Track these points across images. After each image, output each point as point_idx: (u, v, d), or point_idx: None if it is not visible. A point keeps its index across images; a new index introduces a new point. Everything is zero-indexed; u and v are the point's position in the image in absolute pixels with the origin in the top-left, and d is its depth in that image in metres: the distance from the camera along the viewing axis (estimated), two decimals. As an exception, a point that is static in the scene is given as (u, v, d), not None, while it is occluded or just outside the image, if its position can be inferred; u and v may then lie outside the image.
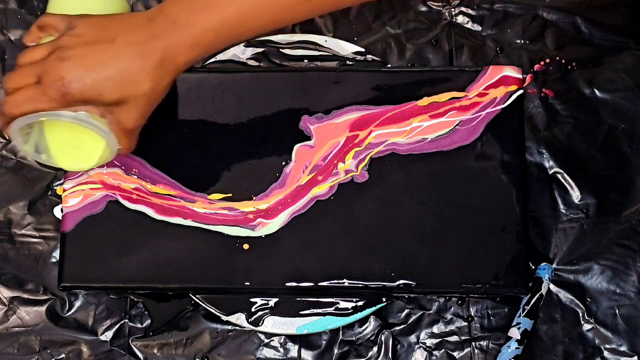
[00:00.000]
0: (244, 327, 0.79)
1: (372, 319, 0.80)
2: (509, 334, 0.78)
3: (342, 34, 0.86)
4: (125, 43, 0.65)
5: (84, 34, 0.66)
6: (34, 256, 0.82)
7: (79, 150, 0.73)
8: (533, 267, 0.80)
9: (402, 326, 0.80)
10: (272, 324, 0.78)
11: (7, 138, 0.85)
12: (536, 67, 0.84)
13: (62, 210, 0.77)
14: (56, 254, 0.82)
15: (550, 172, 0.82)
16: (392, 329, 0.80)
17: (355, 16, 0.86)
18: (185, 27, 0.66)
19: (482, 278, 0.74)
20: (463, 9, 0.86)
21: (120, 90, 0.66)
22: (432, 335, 0.80)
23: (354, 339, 0.80)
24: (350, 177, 0.77)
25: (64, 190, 0.77)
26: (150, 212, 0.76)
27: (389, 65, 0.85)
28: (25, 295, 0.82)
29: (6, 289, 0.82)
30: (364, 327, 0.80)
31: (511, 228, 0.75)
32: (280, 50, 0.84)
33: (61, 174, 0.83)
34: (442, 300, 0.81)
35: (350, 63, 0.83)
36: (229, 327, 0.80)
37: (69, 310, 0.81)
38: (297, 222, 0.76)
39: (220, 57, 0.84)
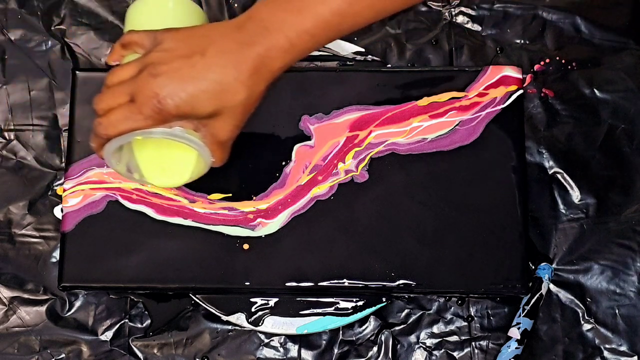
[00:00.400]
0: (244, 327, 0.79)
1: (372, 319, 0.80)
2: (509, 334, 0.78)
3: (342, 34, 0.86)
4: (217, 53, 0.64)
5: (173, 48, 0.65)
6: (34, 256, 0.82)
7: (171, 166, 0.72)
8: (533, 267, 0.80)
9: (402, 326, 0.80)
10: (272, 324, 0.78)
11: (6, 139, 0.85)
12: (536, 67, 0.84)
13: (62, 210, 0.77)
14: (56, 254, 0.82)
15: (550, 172, 0.82)
16: (392, 329, 0.80)
17: (355, 16, 0.86)
18: (278, 31, 0.64)
19: (482, 278, 0.74)
20: (463, 9, 0.86)
21: (216, 102, 0.64)
22: (432, 335, 0.80)
23: (354, 339, 0.80)
24: (350, 177, 0.77)
25: (64, 190, 0.77)
26: (150, 212, 0.76)
27: (389, 65, 0.85)
28: (26, 295, 0.82)
29: (6, 289, 0.82)
30: (364, 327, 0.80)
31: (511, 228, 0.75)
32: (280, 50, 0.84)
33: (61, 174, 0.83)
34: (442, 300, 0.81)
35: (350, 63, 0.83)
36: (229, 327, 0.80)
37: (69, 310, 0.81)
38: (297, 222, 0.76)
39: (220, 57, 0.83)
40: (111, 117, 0.65)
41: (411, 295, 0.80)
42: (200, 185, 0.77)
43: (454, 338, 0.80)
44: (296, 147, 0.77)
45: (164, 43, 0.65)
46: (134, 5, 0.75)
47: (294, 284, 0.75)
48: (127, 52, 0.69)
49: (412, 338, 0.80)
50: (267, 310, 0.78)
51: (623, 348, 0.79)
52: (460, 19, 0.86)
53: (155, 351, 0.80)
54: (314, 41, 0.65)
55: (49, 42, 0.87)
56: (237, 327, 0.80)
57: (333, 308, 0.78)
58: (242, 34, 0.64)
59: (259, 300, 0.78)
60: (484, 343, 0.80)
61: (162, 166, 0.72)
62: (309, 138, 0.77)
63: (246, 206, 0.76)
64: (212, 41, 0.64)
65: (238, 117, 0.66)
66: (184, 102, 0.63)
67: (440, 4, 0.86)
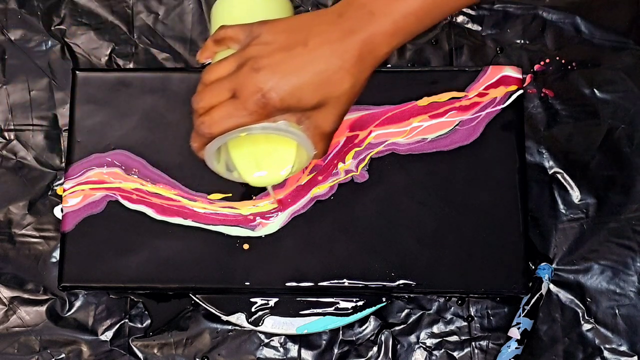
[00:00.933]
0: (244, 327, 0.79)
1: (372, 319, 0.80)
2: (509, 334, 0.78)
3: (342, 34, 0.85)
4: (320, 43, 0.61)
5: (272, 40, 0.62)
6: (34, 256, 0.82)
7: (270, 162, 0.70)
8: (533, 267, 0.80)
9: (402, 326, 0.80)
10: (272, 324, 0.78)
11: (6, 139, 0.85)
12: (536, 67, 0.84)
13: (62, 210, 0.77)
14: (56, 254, 0.82)
15: (550, 172, 0.82)
16: (392, 329, 0.80)
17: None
18: (383, 15, 0.61)
19: (482, 278, 0.74)
20: (463, 9, 0.86)
21: (320, 93, 0.62)
22: (432, 335, 0.80)
23: (354, 339, 0.80)
24: (350, 177, 0.77)
25: (64, 190, 0.77)
26: (150, 212, 0.76)
27: (389, 65, 0.85)
28: (26, 295, 0.82)
29: (6, 289, 0.82)
30: (364, 327, 0.80)
31: (511, 228, 0.75)
32: (280, 50, 0.84)
33: (61, 174, 0.83)
34: (442, 300, 0.81)
35: (350, 63, 0.83)
36: (229, 327, 0.80)
37: (69, 310, 0.81)
38: (297, 222, 0.76)
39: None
40: (214, 114, 0.63)
41: (411, 295, 0.80)
42: (200, 185, 0.77)
43: (454, 338, 0.80)
44: (296, 147, 0.77)
45: (262, 36, 0.63)
46: (220, 1, 0.73)
47: (294, 284, 0.75)
48: (220, 48, 0.67)
49: (412, 338, 0.80)
50: (267, 310, 0.78)
51: (623, 348, 0.79)
52: (460, 18, 0.86)
53: (155, 351, 0.80)
54: (419, 23, 0.62)
55: (49, 42, 0.87)
56: (237, 327, 0.80)
57: (333, 308, 0.77)
58: (344, 21, 0.62)
59: (259, 300, 0.78)
60: (484, 343, 0.80)
61: (260, 163, 0.70)
62: (309, 138, 0.77)
63: (246, 205, 0.76)
64: (312, 31, 0.62)
65: (342, 107, 0.64)
66: (288, 95, 0.61)
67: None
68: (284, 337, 0.80)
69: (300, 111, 0.63)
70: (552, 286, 0.80)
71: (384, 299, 0.77)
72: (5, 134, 0.85)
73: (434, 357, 0.80)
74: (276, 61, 0.61)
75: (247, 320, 0.78)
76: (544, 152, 0.83)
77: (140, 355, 0.80)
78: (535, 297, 0.78)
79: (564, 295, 0.80)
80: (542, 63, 0.85)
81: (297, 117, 0.63)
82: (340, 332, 0.80)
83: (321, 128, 0.64)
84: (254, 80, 0.61)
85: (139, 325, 0.81)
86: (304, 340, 0.80)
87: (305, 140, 0.65)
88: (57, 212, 0.83)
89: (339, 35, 0.61)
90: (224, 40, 0.66)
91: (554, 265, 0.80)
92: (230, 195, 0.77)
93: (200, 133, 0.63)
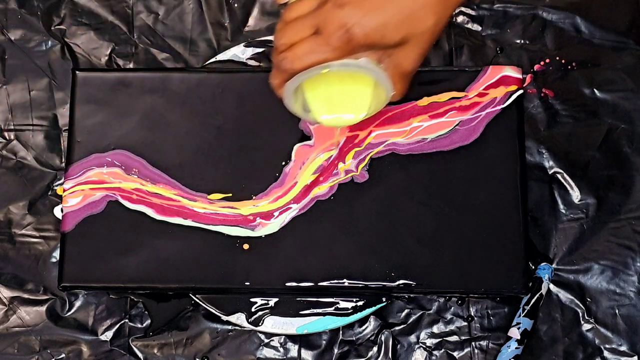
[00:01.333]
0: (244, 327, 0.79)
1: (372, 319, 0.80)
2: (509, 334, 0.78)
3: (342, 34, 0.85)
4: None
5: None
6: (34, 256, 0.82)
7: (346, 103, 0.69)
8: (533, 267, 0.80)
9: (402, 326, 0.80)
10: (272, 324, 0.78)
11: (6, 139, 0.85)
12: (536, 67, 0.84)
13: (62, 210, 0.77)
14: (56, 254, 0.82)
15: (550, 172, 0.82)
16: (392, 329, 0.80)
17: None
18: None
19: (482, 278, 0.74)
20: (463, 9, 0.86)
21: (404, 29, 0.61)
22: (432, 335, 0.80)
23: (354, 339, 0.80)
24: (350, 177, 0.77)
25: (64, 190, 0.77)
26: (150, 212, 0.76)
27: (389, 65, 0.85)
28: (25, 295, 0.82)
29: (6, 289, 0.82)
30: (364, 327, 0.80)
31: (511, 228, 0.75)
32: (280, 50, 0.84)
33: (61, 174, 0.83)
34: (442, 300, 0.81)
35: (350, 63, 0.83)
36: (229, 327, 0.80)
37: (69, 310, 0.81)
38: (297, 222, 0.76)
39: (220, 57, 0.84)
40: (297, 50, 0.62)
41: (411, 295, 0.80)
42: (200, 185, 0.77)
43: (454, 338, 0.80)
44: (296, 147, 0.77)
45: None
46: None
47: (294, 284, 0.75)
48: None
49: (412, 338, 0.80)
50: (267, 310, 0.78)
51: (623, 348, 0.79)
52: (460, 18, 0.86)
53: (155, 351, 0.80)
54: None
55: (49, 42, 0.87)
56: (237, 327, 0.80)
57: (333, 308, 0.78)
58: None
59: (259, 300, 0.78)
60: (484, 343, 0.80)
61: (335, 104, 0.69)
62: (308, 138, 0.77)
63: (246, 205, 0.76)
64: None
65: (424, 45, 0.63)
66: (373, 30, 0.61)
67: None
68: (284, 337, 0.80)
69: (382, 48, 0.63)
70: (552, 286, 0.80)
71: (384, 299, 0.77)
72: (5, 134, 0.85)
73: (434, 357, 0.80)
74: None
75: (247, 320, 0.78)
76: (544, 152, 0.82)
77: (140, 355, 0.80)
78: (535, 297, 0.78)
79: (564, 295, 0.80)
80: (542, 63, 0.85)
81: (378, 55, 0.63)
82: (340, 332, 0.80)
83: (402, 67, 0.64)
84: (337, 15, 0.61)
85: (139, 325, 0.81)
86: (304, 340, 0.80)
87: (386, 79, 0.64)
88: (57, 212, 0.83)
89: None
90: None
91: (554, 265, 0.80)
92: (230, 195, 0.77)
93: (282, 69, 0.63)
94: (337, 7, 0.61)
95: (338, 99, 0.69)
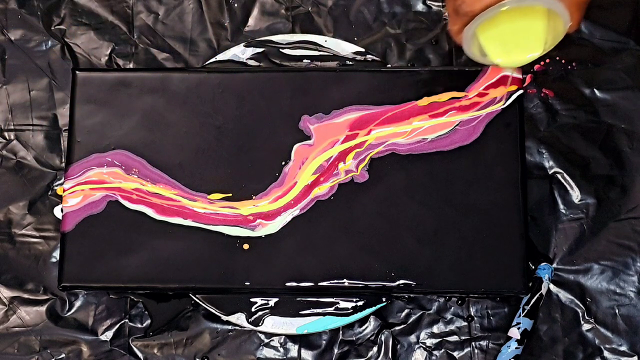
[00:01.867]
0: (244, 327, 0.79)
1: (372, 319, 0.80)
2: (509, 334, 0.78)
3: (342, 34, 0.86)
4: None
5: None
6: (34, 256, 0.82)
7: (522, 40, 0.70)
8: (533, 267, 0.80)
9: (402, 326, 0.80)
10: (272, 324, 0.78)
11: (6, 139, 0.85)
12: (536, 67, 0.84)
13: (62, 210, 0.77)
14: (56, 254, 0.82)
15: (550, 172, 0.82)
16: (392, 329, 0.80)
17: (355, 16, 0.86)
18: None
19: (482, 278, 0.74)
20: (463, 9, 0.86)
21: None
22: (432, 335, 0.80)
23: (354, 339, 0.80)
24: (351, 177, 0.77)
25: (64, 190, 0.77)
26: (150, 212, 0.76)
27: (389, 65, 0.85)
28: (25, 295, 0.82)
29: (6, 289, 0.82)
30: (364, 327, 0.80)
31: (511, 228, 0.75)
32: (280, 50, 0.84)
33: (61, 174, 0.83)
34: (442, 300, 0.81)
35: (350, 63, 0.83)
36: (229, 327, 0.80)
37: (69, 310, 0.81)
38: (297, 222, 0.76)
39: (220, 57, 0.84)
40: None
41: (411, 295, 0.80)
42: (200, 185, 0.77)
43: (454, 338, 0.80)
44: (296, 146, 0.77)
45: None
46: None
47: (294, 284, 0.75)
48: None
49: (412, 338, 0.80)
50: (267, 310, 0.78)
51: (623, 348, 0.79)
52: (460, 19, 0.86)
53: (155, 351, 0.80)
54: None
55: (49, 42, 0.87)
56: (237, 327, 0.80)
57: (333, 308, 0.78)
58: None
59: (259, 300, 0.78)
60: (484, 343, 0.80)
61: (511, 44, 0.70)
62: (308, 138, 0.77)
63: (246, 205, 0.76)
64: None
65: None
66: None
67: (440, 3, 0.86)
68: (284, 337, 0.80)
69: None
70: (552, 286, 0.80)
71: (384, 299, 0.77)
72: (5, 134, 0.85)
73: (434, 357, 0.80)
74: None
75: (247, 320, 0.78)
76: (544, 152, 0.82)
77: (140, 355, 0.80)
78: (535, 297, 0.78)
79: (564, 295, 0.80)
80: (542, 63, 0.85)
81: None
82: (340, 332, 0.80)
83: None
84: None
85: (139, 325, 0.81)
86: (304, 340, 0.80)
87: (562, 9, 0.65)
88: (57, 212, 0.83)
89: None
90: None
91: (554, 265, 0.80)
92: (230, 195, 0.77)
93: (462, 12, 0.64)
94: None
95: (513, 38, 0.70)
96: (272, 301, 0.78)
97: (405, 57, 0.86)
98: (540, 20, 0.68)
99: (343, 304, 0.77)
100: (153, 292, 0.80)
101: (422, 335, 0.80)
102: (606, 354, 0.79)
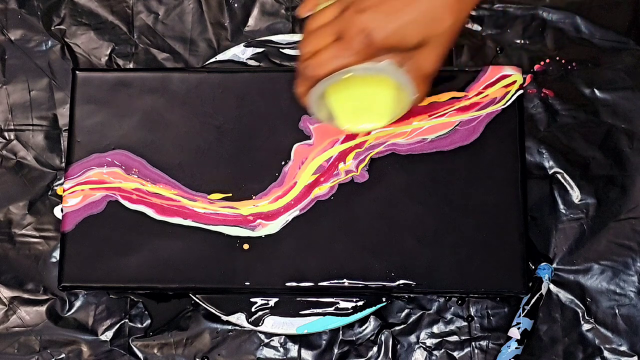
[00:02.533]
0: (244, 327, 0.79)
1: (372, 319, 0.80)
2: (509, 334, 0.78)
3: (342, 34, 0.86)
4: None
5: None
6: (34, 256, 0.82)
7: (370, 109, 0.70)
8: (533, 267, 0.80)
9: (402, 326, 0.80)
10: (272, 324, 0.78)
11: (6, 139, 0.85)
12: (536, 67, 0.84)
13: (62, 210, 0.77)
14: (56, 254, 0.82)
15: (550, 172, 0.82)
16: (392, 329, 0.80)
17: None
18: None
19: (482, 278, 0.74)
20: (463, 9, 0.86)
21: (423, 31, 0.63)
22: (432, 335, 0.80)
23: (354, 339, 0.80)
24: (351, 177, 0.77)
25: (64, 190, 0.77)
26: (150, 212, 0.76)
27: (389, 65, 0.85)
28: (25, 295, 0.82)
29: (6, 289, 0.82)
30: (364, 327, 0.80)
31: (511, 228, 0.75)
32: (280, 50, 0.84)
33: (61, 174, 0.83)
34: (442, 300, 0.81)
35: (350, 63, 0.83)
36: (229, 327, 0.80)
37: (69, 310, 0.81)
38: (297, 222, 0.76)
39: (220, 57, 0.84)
40: (320, 56, 0.64)
41: (411, 295, 0.80)
42: (200, 185, 0.77)
43: (454, 338, 0.80)
44: (295, 146, 0.77)
45: None
46: None
47: (294, 284, 0.75)
48: (321, 0, 0.68)
49: (412, 338, 0.80)
50: (267, 310, 0.78)
51: (623, 348, 0.79)
52: (460, 19, 0.86)
53: (155, 351, 0.80)
54: None
55: (49, 42, 0.87)
56: (237, 327, 0.80)
57: (333, 308, 0.78)
58: None
59: (259, 300, 0.78)
60: (484, 343, 0.80)
61: (359, 111, 0.70)
62: (308, 138, 0.77)
63: (246, 205, 0.76)
64: None
65: (444, 46, 0.64)
66: (392, 33, 0.62)
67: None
68: (284, 337, 0.80)
69: (403, 51, 0.64)
70: (552, 286, 0.80)
71: (384, 299, 0.77)
72: (5, 134, 0.85)
73: (434, 357, 0.80)
74: (379, 1, 0.62)
75: (247, 320, 0.78)
76: (544, 152, 0.83)
77: (140, 355, 0.80)
78: (535, 297, 0.78)
79: (564, 295, 0.80)
80: (542, 63, 0.85)
81: (399, 58, 0.64)
82: (340, 332, 0.80)
83: (423, 69, 0.65)
84: (358, 20, 0.62)
85: (139, 325, 0.81)
86: (304, 340, 0.80)
87: (408, 82, 0.65)
88: (57, 212, 0.83)
89: None
90: None
91: (554, 265, 0.80)
92: (230, 195, 0.77)
93: (306, 76, 0.65)
94: (357, 12, 0.63)
95: (362, 106, 0.70)
96: (272, 301, 0.78)
97: (405, 57, 0.86)
98: (388, 90, 0.68)
99: (343, 304, 0.77)
100: (153, 292, 0.80)
101: (422, 335, 0.80)
102: (606, 354, 0.79)
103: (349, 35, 0.63)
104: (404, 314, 0.80)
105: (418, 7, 0.62)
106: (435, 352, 0.80)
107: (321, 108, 0.69)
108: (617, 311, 0.79)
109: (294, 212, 0.76)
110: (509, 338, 0.78)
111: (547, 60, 0.85)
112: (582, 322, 0.79)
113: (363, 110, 0.70)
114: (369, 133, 0.77)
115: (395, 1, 0.63)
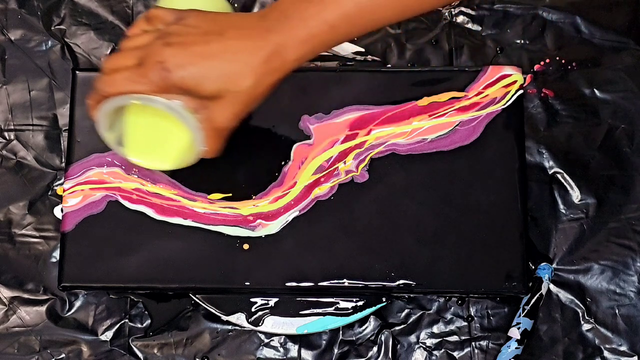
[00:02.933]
0: (244, 327, 0.79)
1: (372, 319, 0.80)
2: (509, 334, 0.78)
3: (342, 34, 0.86)
4: (235, 36, 0.63)
5: (194, 25, 0.64)
6: (34, 256, 0.82)
7: (159, 148, 0.71)
8: (533, 267, 0.80)
9: (402, 326, 0.80)
10: (272, 324, 0.78)
11: (6, 139, 0.85)
12: (536, 67, 0.84)
13: (62, 210, 0.77)
14: (56, 254, 0.82)
15: (550, 172, 0.82)
16: (392, 329, 0.80)
17: (355, 16, 0.86)
18: (298, 20, 0.63)
19: (482, 278, 0.74)
20: (463, 9, 0.86)
21: (221, 83, 0.63)
22: (432, 335, 0.80)
23: (354, 339, 0.80)
24: (351, 177, 0.77)
25: (64, 190, 0.77)
26: (150, 212, 0.76)
27: (389, 65, 0.85)
28: (26, 295, 0.82)
29: (6, 289, 0.82)
30: (364, 327, 0.80)
31: (511, 228, 0.75)
32: (280, 50, 0.84)
33: (61, 174, 0.83)
34: (442, 300, 0.81)
35: (350, 63, 0.83)
36: (229, 327, 0.80)
37: (69, 310, 0.81)
38: (297, 223, 0.76)
39: (220, 57, 0.83)
40: (115, 76, 0.64)
41: (411, 295, 0.80)
42: (200, 185, 0.77)
43: (454, 338, 0.80)
44: (295, 146, 0.77)
45: (187, 19, 0.65)
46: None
47: (294, 284, 0.75)
48: (149, 27, 0.68)
49: (412, 338, 0.80)
50: (267, 310, 0.78)
51: (623, 348, 0.79)
52: (460, 19, 0.86)
53: (155, 351, 0.80)
54: (334, 33, 0.64)
55: (49, 42, 0.87)
56: (237, 327, 0.80)
57: (333, 308, 0.78)
58: (264, 21, 0.64)
59: (259, 300, 0.78)
60: (484, 343, 0.80)
61: (149, 144, 0.71)
62: (308, 138, 0.77)
63: (246, 205, 0.76)
64: (233, 25, 0.64)
65: (240, 105, 0.65)
66: (189, 75, 0.63)
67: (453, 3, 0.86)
68: (284, 337, 0.80)
69: (198, 98, 0.64)
70: (552, 286, 0.80)
71: (384, 299, 0.77)
72: (5, 134, 0.85)
73: (434, 357, 0.80)
74: (189, 41, 0.63)
75: (247, 320, 0.78)
76: (544, 152, 0.83)
77: (140, 355, 0.80)
78: (535, 297, 0.78)
79: (564, 295, 0.80)
80: (542, 63, 0.85)
81: (195, 104, 0.64)
82: (340, 332, 0.80)
83: (215, 121, 0.65)
84: (161, 52, 0.63)
85: (139, 325, 0.81)
86: (304, 340, 0.80)
87: (196, 129, 0.65)
88: (57, 212, 0.83)
89: (255, 33, 0.63)
90: (153, 20, 0.67)
91: (554, 265, 0.80)
92: (230, 195, 0.77)
93: (97, 90, 0.65)
94: (165, 44, 0.63)
95: (152, 141, 0.70)
96: (272, 301, 0.78)
97: (405, 57, 0.86)
98: (182, 133, 0.67)
99: (343, 304, 0.77)
100: (153, 292, 0.80)
101: (422, 335, 0.80)
102: (606, 354, 0.79)
103: (148, 63, 0.63)
104: (404, 314, 0.80)
105: (222, 58, 0.63)
106: (435, 352, 0.80)
107: (113, 130, 0.69)
108: (617, 311, 0.79)
109: (294, 212, 0.76)
110: (509, 338, 0.78)
111: (547, 60, 0.85)
112: (582, 322, 0.79)
113: (153, 146, 0.70)
114: (369, 133, 0.77)
115: (203, 46, 0.63)
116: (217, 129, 0.66)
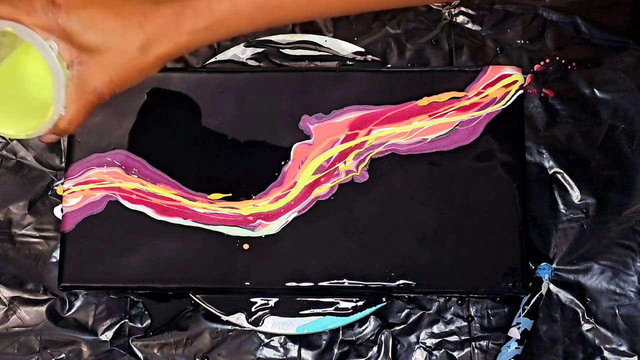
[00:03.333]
0: (244, 327, 0.79)
1: (372, 319, 0.80)
2: (509, 334, 0.78)
3: (342, 34, 0.86)
4: None
5: None
6: (34, 256, 0.82)
7: (8, 105, 0.63)
8: (533, 267, 0.80)
9: (402, 326, 0.80)
10: (272, 324, 0.78)
11: (7, 139, 0.85)
12: (536, 67, 0.84)
13: (62, 210, 0.77)
14: (56, 254, 0.82)
15: (550, 172, 0.82)
16: (392, 329, 0.80)
17: (355, 16, 0.86)
18: None
19: (482, 278, 0.74)
20: (463, 9, 0.86)
21: (106, 35, 0.59)
22: (432, 335, 0.80)
23: (354, 339, 0.80)
24: (351, 177, 0.77)
25: (64, 190, 0.77)
26: (150, 212, 0.76)
27: (389, 65, 0.85)
28: (25, 295, 0.82)
29: (6, 289, 0.82)
30: (364, 327, 0.80)
31: (511, 228, 0.75)
32: (280, 50, 0.84)
33: (61, 174, 0.83)
34: (442, 300, 0.81)
35: (350, 63, 0.83)
36: (229, 327, 0.80)
37: (69, 310, 0.81)
38: (297, 223, 0.76)
39: (220, 57, 0.84)
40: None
41: (411, 295, 0.80)
42: (200, 185, 0.77)
43: (454, 338, 0.80)
44: (295, 146, 0.77)
45: None
46: None
47: (294, 284, 0.75)
48: None
49: (412, 338, 0.80)
50: (267, 310, 0.78)
51: (623, 348, 0.79)
52: (460, 19, 0.86)
53: (155, 351, 0.80)
54: (233, 13, 0.60)
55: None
56: (237, 327, 0.80)
57: (333, 308, 0.78)
58: None
59: (259, 300, 0.78)
60: (484, 343, 0.80)
61: (6, 104, 0.63)
62: (308, 138, 0.77)
63: (246, 205, 0.76)
64: None
65: (119, 68, 0.60)
66: (77, 17, 0.58)
67: (440, 4, 0.86)
68: (284, 337, 0.80)
69: (78, 46, 0.59)
70: (552, 286, 0.80)
71: (384, 299, 0.77)
72: (5, 134, 0.85)
73: (434, 357, 0.80)
74: None
75: (247, 320, 0.78)
76: (544, 152, 0.82)
77: (140, 355, 0.80)
78: (535, 297, 0.78)
79: (564, 295, 0.80)
80: (542, 63, 0.85)
81: (71, 55, 0.60)
82: (340, 332, 0.80)
83: (86, 82, 0.60)
84: None
85: (139, 325, 0.81)
86: (304, 340, 0.80)
87: (61, 85, 0.59)
88: (57, 212, 0.83)
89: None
90: None
91: (554, 265, 0.80)
92: (230, 195, 0.77)
93: None
94: None
95: (13, 101, 0.63)
96: (272, 301, 0.78)
97: (405, 57, 0.86)
98: (37, 90, 0.61)
99: (343, 304, 0.77)
100: (153, 292, 0.80)
101: (422, 335, 0.80)
102: (606, 354, 0.79)
103: None
104: (404, 314, 0.80)
105: (115, 12, 0.59)
106: (435, 352, 0.80)
107: None
108: (617, 311, 0.79)
109: (294, 212, 0.76)
110: (509, 338, 0.78)
111: (547, 60, 0.85)
112: (582, 322, 0.79)
113: (8, 107, 0.63)
114: (369, 133, 0.77)
115: None
116: (86, 91, 0.61)
